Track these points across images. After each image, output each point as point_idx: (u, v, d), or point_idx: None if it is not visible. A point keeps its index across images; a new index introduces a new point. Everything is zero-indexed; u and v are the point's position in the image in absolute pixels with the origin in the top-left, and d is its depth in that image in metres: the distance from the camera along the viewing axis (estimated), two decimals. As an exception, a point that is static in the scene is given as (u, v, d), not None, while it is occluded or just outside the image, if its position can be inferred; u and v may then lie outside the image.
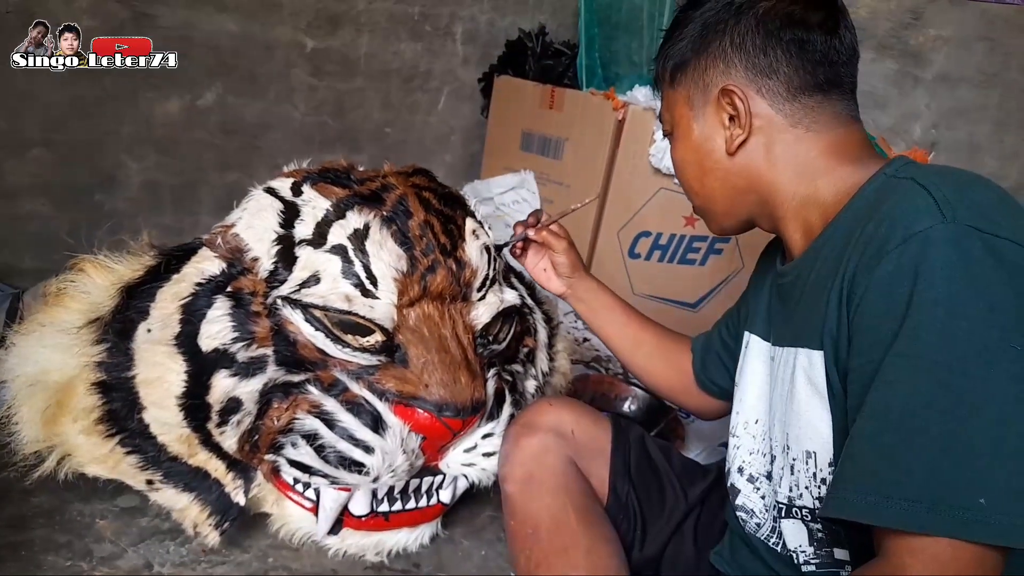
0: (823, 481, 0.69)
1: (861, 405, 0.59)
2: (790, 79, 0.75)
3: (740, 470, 0.86)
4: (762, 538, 0.82)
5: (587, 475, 0.97)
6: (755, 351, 0.87)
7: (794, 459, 0.72)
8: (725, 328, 1.03)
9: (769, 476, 0.80)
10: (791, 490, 0.74)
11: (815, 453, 0.69)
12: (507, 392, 1.11)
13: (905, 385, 0.55)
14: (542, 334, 1.31)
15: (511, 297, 1.16)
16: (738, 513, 0.86)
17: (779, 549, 0.79)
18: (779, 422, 0.76)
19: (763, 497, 0.82)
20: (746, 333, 0.91)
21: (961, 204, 0.58)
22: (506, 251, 1.20)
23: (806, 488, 0.71)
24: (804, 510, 0.73)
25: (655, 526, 0.97)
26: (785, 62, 0.75)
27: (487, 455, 1.05)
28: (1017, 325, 0.53)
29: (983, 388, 0.53)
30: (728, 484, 0.88)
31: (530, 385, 1.24)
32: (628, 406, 1.65)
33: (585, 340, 2.12)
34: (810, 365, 0.68)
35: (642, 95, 2.16)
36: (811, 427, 0.68)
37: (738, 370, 0.90)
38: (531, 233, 1.15)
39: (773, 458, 0.78)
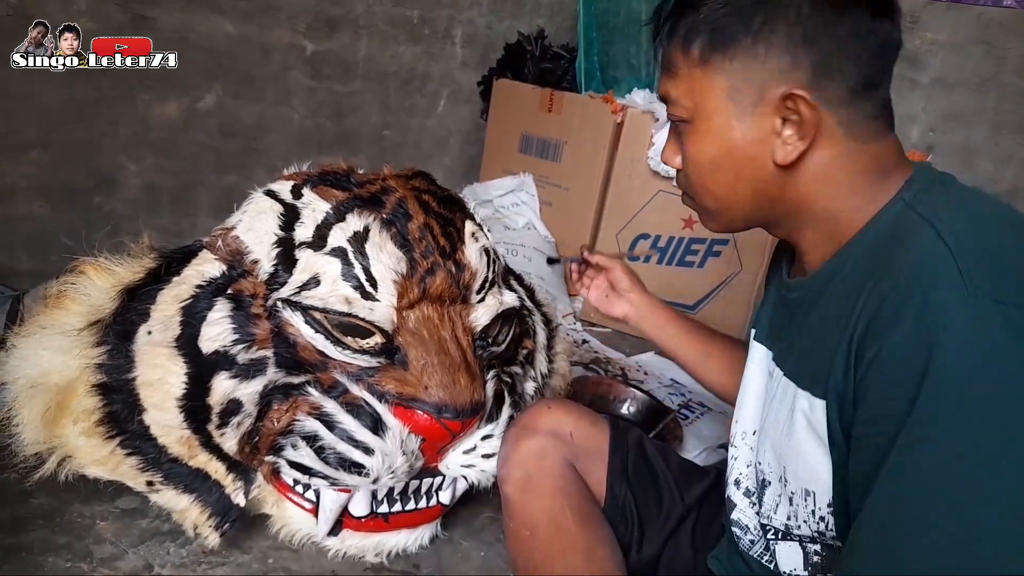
0: (821, 519, 0.69)
1: (866, 477, 0.57)
2: (853, 79, 0.65)
3: (737, 483, 0.85)
4: (755, 556, 0.81)
5: (585, 477, 0.97)
6: (757, 358, 0.84)
7: (792, 492, 0.72)
8: None
9: (762, 492, 0.79)
10: (789, 519, 0.74)
11: (814, 493, 0.68)
12: (506, 394, 1.11)
13: (913, 474, 0.53)
14: (541, 336, 1.31)
15: (510, 299, 1.16)
16: (733, 528, 0.85)
17: (772, 568, 0.78)
18: (773, 449, 0.74)
19: (757, 514, 0.81)
20: (752, 332, 0.88)
21: (981, 264, 0.54)
22: (561, 271, 1.24)
23: (804, 521, 0.71)
24: (804, 538, 0.72)
25: (652, 528, 0.97)
26: (850, 57, 0.65)
27: (486, 456, 1.06)
28: None
29: (993, 480, 0.50)
30: (726, 495, 0.87)
31: (529, 387, 1.25)
32: (627, 408, 1.65)
33: (584, 342, 2.12)
34: (811, 410, 0.66)
35: (640, 98, 2.17)
36: (810, 469, 0.67)
37: (743, 375, 0.87)
38: (586, 255, 1.17)
39: (765, 479, 0.77)
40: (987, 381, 0.51)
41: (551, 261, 1.23)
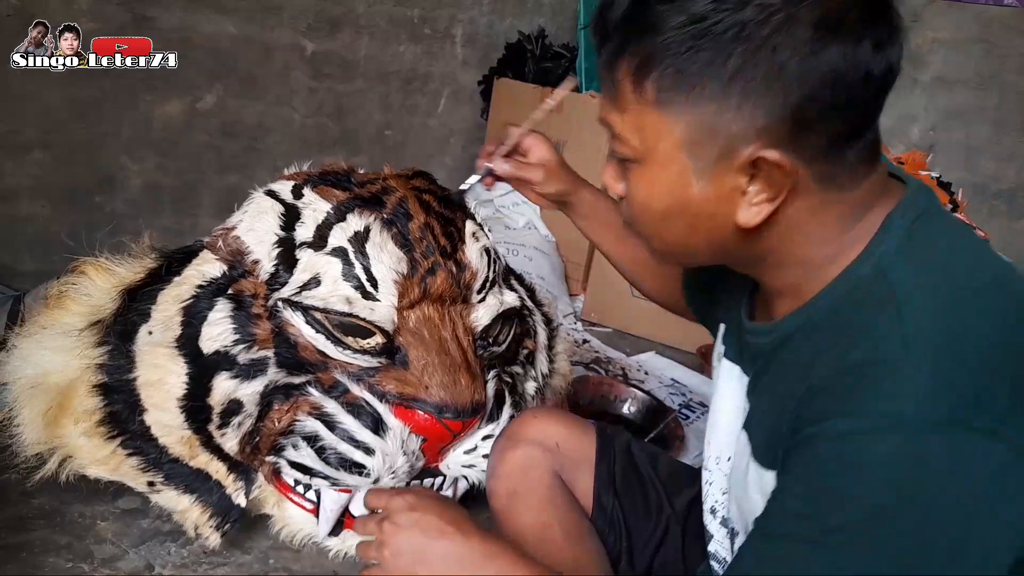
0: None
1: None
2: (836, 130, 0.55)
3: (713, 511, 0.80)
4: None
5: (572, 487, 0.94)
6: (727, 374, 0.76)
7: None
8: (705, 277, 0.89)
9: (732, 540, 0.75)
10: None
11: None
12: (507, 394, 1.11)
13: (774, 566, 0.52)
14: (542, 336, 1.31)
15: (511, 299, 1.16)
16: (711, 560, 0.81)
17: None
18: (736, 499, 0.71)
19: (734, 546, 0.77)
20: (720, 342, 0.80)
21: (940, 372, 0.48)
22: (471, 186, 1.04)
23: None
24: None
25: (641, 539, 0.94)
26: (837, 106, 0.54)
27: (487, 457, 1.06)
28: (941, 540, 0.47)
29: None
30: (704, 522, 0.83)
31: (530, 387, 1.25)
32: (628, 408, 1.65)
33: (585, 342, 2.12)
34: (761, 480, 0.62)
35: (641, 97, 2.16)
36: None
37: (713, 388, 0.80)
38: (494, 166, 0.96)
39: (733, 528, 0.74)
40: (907, 519, 0.47)
41: (458, 195, 1.08)
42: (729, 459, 0.74)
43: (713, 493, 0.79)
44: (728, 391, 0.75)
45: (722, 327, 0.80)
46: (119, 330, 1.02)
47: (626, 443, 0.99)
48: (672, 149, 0.59)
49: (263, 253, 1.04)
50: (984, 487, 0.47)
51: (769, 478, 0.60)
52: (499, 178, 0.98)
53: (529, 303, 1.31)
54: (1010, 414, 0.48)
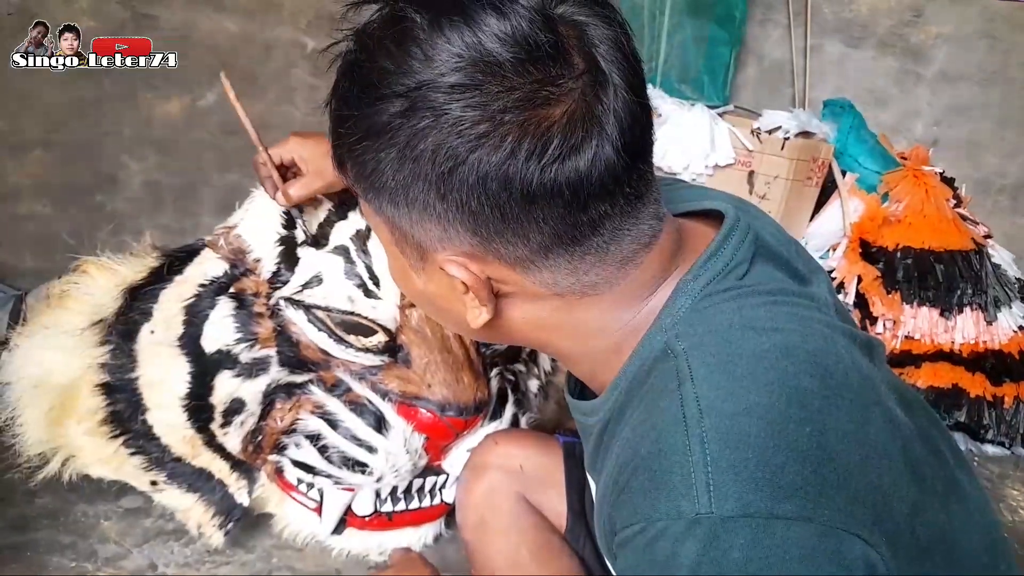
0: None
1: None
2: (535, 240, 0.50)
3: None
4: None
5: (541, 507, 0.92)
6: None
7: None
8: None
9: None
10: None
11: None
12: (510, 391, 1.11)
13: None
14: (544, 333, 1.31)
15: (513, 297, 1.16)
16: None
17: None
18: None
19: None
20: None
21: (728, 460, 0.43)
22: (303, 226, 0.99)
23: None
24: None
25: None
26: (515, 218, 0.49)
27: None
28: None
29: None
30: None
31: (533, 384, 1.24)
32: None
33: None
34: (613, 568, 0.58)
35: (642, 94, 2.15)
36: None
37: None
38: (280, 201, 0.93)
39: None
40: None
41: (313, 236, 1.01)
42: None
43: None
44: (583, 440, 0.71)
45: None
46: (121, 329, 1.02)
47: None
48: (386, 242, 0.58)
49: (265, 251, 1.04)
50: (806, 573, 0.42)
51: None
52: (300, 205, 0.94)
53: (531, 301, 1.31)
54: (821, 492, 0.43)
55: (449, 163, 0.47)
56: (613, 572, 0.60)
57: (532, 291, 0.54)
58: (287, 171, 0.95)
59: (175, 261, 1.06)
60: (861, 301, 1.79)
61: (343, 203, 1.05)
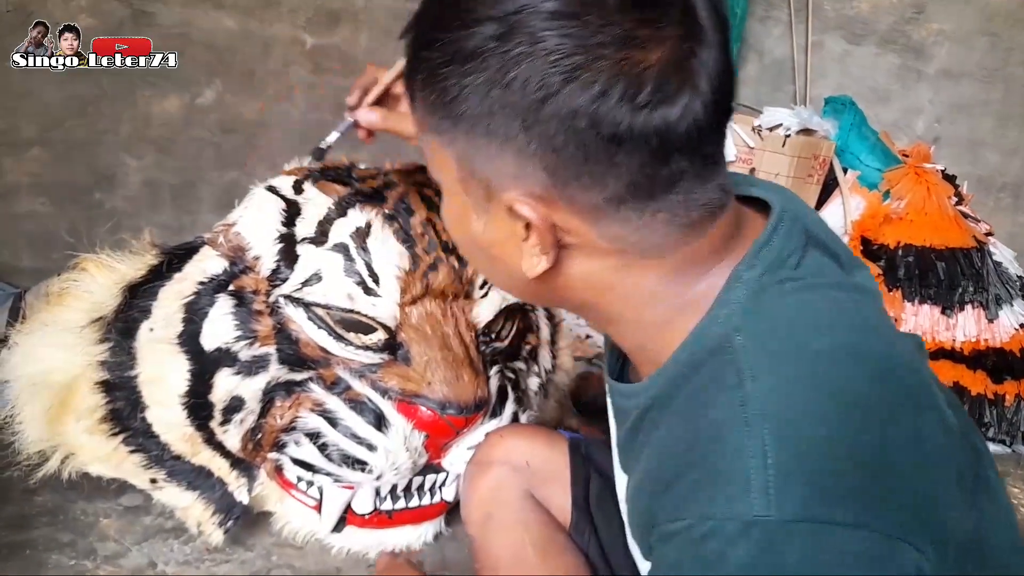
0: None
1: None
2: (611, 188, 0.49)
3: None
4: None
5: (547, 503, 0.92)
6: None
7: None
8: None
9: None
10: None
11: None
12: (510, 389, 1.11)
13: None
14: (544, 331, 1.31)
15: (514, 294, 1.15)
16: None
17: None
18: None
19: None
20: (607, 368, 0.72)
21: (791, 464, 0.43)
22: (335, 141, 0.98)
23: None
24: None
25: (617, 561, 0.91)
26: (600, 160, 0.47)
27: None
28: None
29: None
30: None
31: (533, 382, 1.24)
32: (630, 403, 1.64)
33: (588, 336, 2.12)
34: (642, 563, 0.58)
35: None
36: None
37: (611, 425, 0.75)
38: (360, 118, 0.92)
39: None
40: None
41: (318, 153, 1.00)
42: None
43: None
44: (613, 432, 0.71)
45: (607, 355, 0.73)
46: (120, 327, 1.02)
47: (607, 461, 0.96)
48: (451, 181, 0.55)
49: (264, 249, 1.03)
50: None
51: (645, 568, 0.56)
52: (371, 132, 0.92)
53: (532, 298, 1.31)
54: (879, 499, 0.43)
55: (540, 93, 0.45)
56: (638, 561, 0.60)
57: (594, 245, 0.52)
58: (388, 101, 0.93)
59: (174, 259, 1.06)
60: (862, 299, 1.79)
61: (343, 201, 1.04)
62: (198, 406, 1.00)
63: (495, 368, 1.09)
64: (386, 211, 1.04)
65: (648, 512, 0.52)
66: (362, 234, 1.01)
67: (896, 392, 0.48)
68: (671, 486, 0.48)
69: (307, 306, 1.00)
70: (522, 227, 0.52)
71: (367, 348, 1.00)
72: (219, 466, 1.06)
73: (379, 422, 0.98)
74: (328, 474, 1.01)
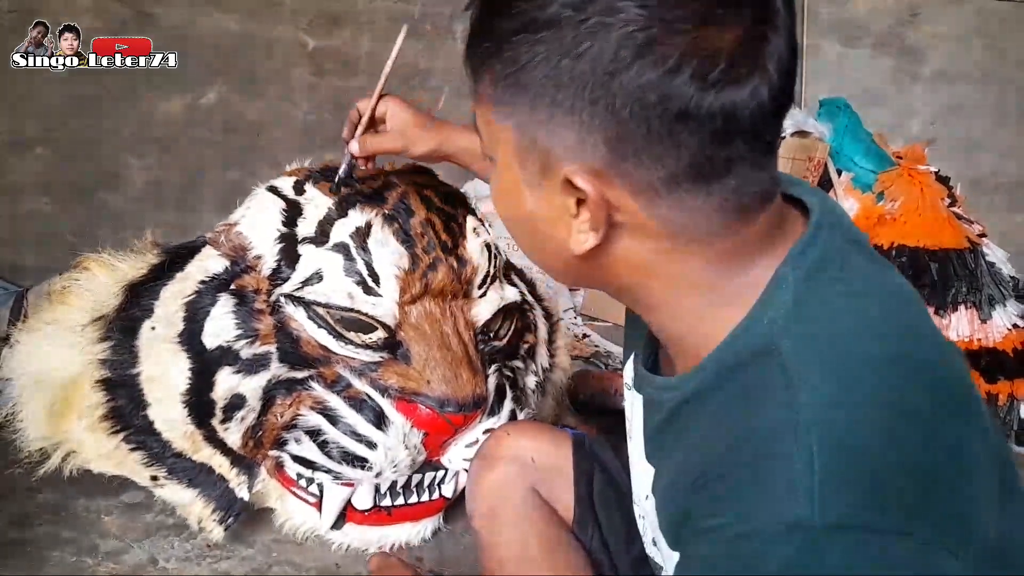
0: None
1: None
2: (669, 166, 0.48)
3: (654, 542, 0.74)
4: None
5: (552, 500, 0.92)
6: (635, 403, 0.71)
7: None
8: None
9: None
10: None
11: None
12: (508, 388, 1.12)
13: None
14: (542, 330, 1.32)
15: (511, 294, 1.16)
16: None
17: None
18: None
19: None
20: (629, 366, 0.72)
21: (838, 470, 0.43)
22: (345, 175, 1.06)
23: None
24: None
25: (619, 556, 0.92)
26: (663, 138, 0.47)
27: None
28: None
29: None
30: (649, 554, 0.78)
31: (531, 381, 1.25)
32: (628, 402, 1.66)
33: (585, 336, 2.13)
34: (670, 554, 0.58)
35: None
36: None
37: (629, 423, 0.73)
38: (353, 150, 0.98)
39: None
40: None
41: (337, 187, 1.06)
42: (647, 498, 0.68)
43: (650, 529, 0.74)
44: (637, 422, 0.70)
45: (633, 354, 0.72)
46: (122, 326, 1.03)
47: (609, 458, 0.95)
48: (507, 155, 0.55)
49: (265, 249, 1.05)
50: None
51: (671, 561, 0.56)
52: (367, 158, 1.00)
53: (530, 298, 1.32)
54: (923, 508, 0.43)
55: (612, 65, 0.45)
56: (652, 553, 0.60)
57: (644, 225, 0.51)
58: (377, 125, 1.00)
59: (176, 258, 1.07)
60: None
61: (343, 201, 1.06)
62: (199, 404, 1.01)
63: (493, 367, 1.10)
64: (386, 211, 1.05)
65: (682, 506, 0.52)
66: (362, 234, 1.02)
67: (946, 402, 0.48)
68: (710, 483, 0.48)
69: (308, 305, 1.01)
70: (574, 203, 0.52)
71: (367, 347, 1.01)
72: (220, 463, 1.07)
73: (379, 420, 0.99)
74: (328, 471, 1.02)
